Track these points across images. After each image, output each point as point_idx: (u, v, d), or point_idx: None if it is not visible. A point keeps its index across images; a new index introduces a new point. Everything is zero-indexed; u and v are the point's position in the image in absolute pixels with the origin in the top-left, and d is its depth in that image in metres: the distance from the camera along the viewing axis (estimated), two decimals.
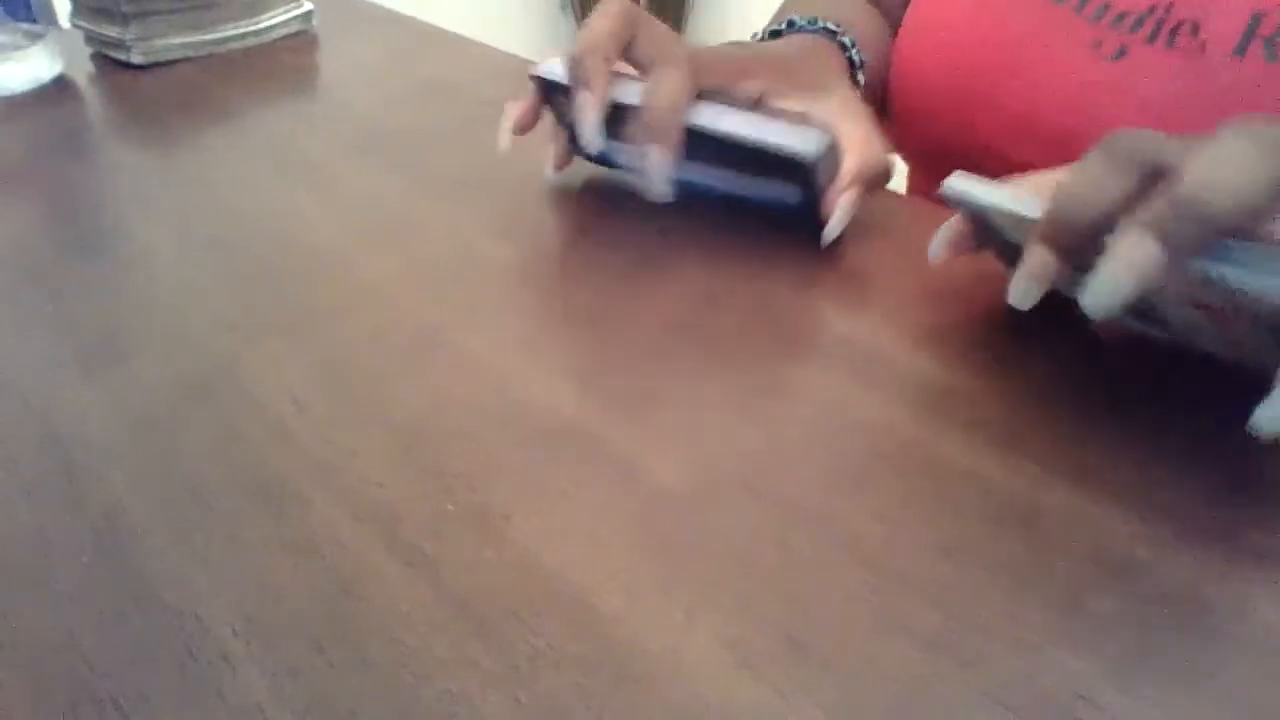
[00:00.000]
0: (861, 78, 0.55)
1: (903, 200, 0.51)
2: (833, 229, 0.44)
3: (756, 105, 0.46)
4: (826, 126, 0.43)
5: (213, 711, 0.26)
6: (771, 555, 0.30)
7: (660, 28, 0.45)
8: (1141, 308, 0.34)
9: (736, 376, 0.38)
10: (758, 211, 0.48)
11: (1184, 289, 0.31)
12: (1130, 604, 0.28)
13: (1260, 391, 0.29)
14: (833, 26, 0.54)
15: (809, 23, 0.54)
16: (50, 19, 0.76)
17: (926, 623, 0.28)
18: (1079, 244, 0.31)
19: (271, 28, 0.78)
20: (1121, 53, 0.49)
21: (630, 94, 0.44)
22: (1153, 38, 0.48)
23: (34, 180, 0.57)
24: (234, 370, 0.39)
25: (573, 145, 0.52)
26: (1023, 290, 0.32)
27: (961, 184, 0.36)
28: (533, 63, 0.71)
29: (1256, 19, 0.45)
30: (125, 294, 0.45)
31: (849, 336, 0.40)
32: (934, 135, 0.59)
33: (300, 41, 0.78)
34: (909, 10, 0.61)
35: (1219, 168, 0.28)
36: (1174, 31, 0.47)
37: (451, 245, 0.48)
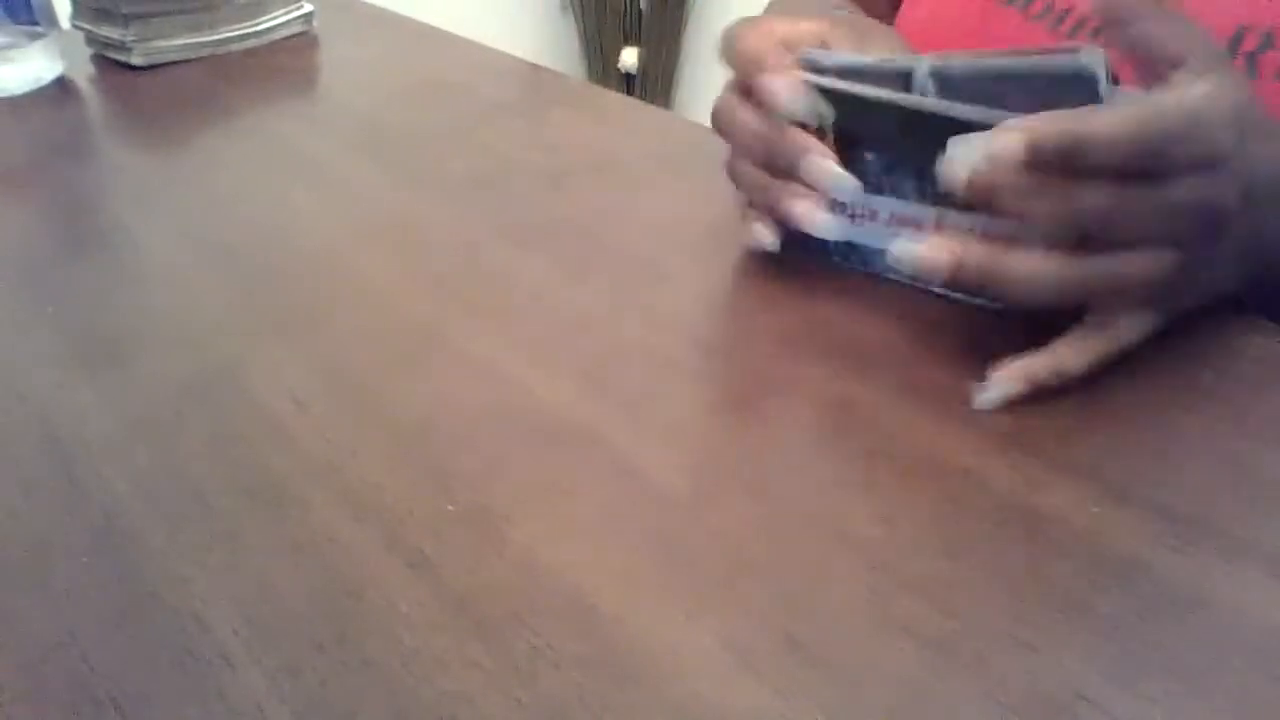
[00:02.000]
0: None
1: None
2: None
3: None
4: None
5: (213, 711, 0.26)
6: (772, 555, 0.30)
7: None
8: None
9: (736, 376, 0.38)
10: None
11: None
12: (1130, 604, 0.28)
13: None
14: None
15: None
16: (50, 20, 0.75)
17: (926, 623, 0.28)
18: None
19: (272, 29, 0.78)
20: None
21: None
22: None
23: (34, 181, 0.57)
24: (234, 370, 0.39)
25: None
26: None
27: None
28: (532, 64, 0.71)
29: (1240, 33, 0.44)
30: (125, 294, 0.45)
31: (849, 336, 0.40)
32: None
33: (301, 42, 0.78)
34: (898, 17, 0.61)
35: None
36: None
37: (451, 245, 0.48)
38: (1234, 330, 0.39)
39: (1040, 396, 0.35)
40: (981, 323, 0.40)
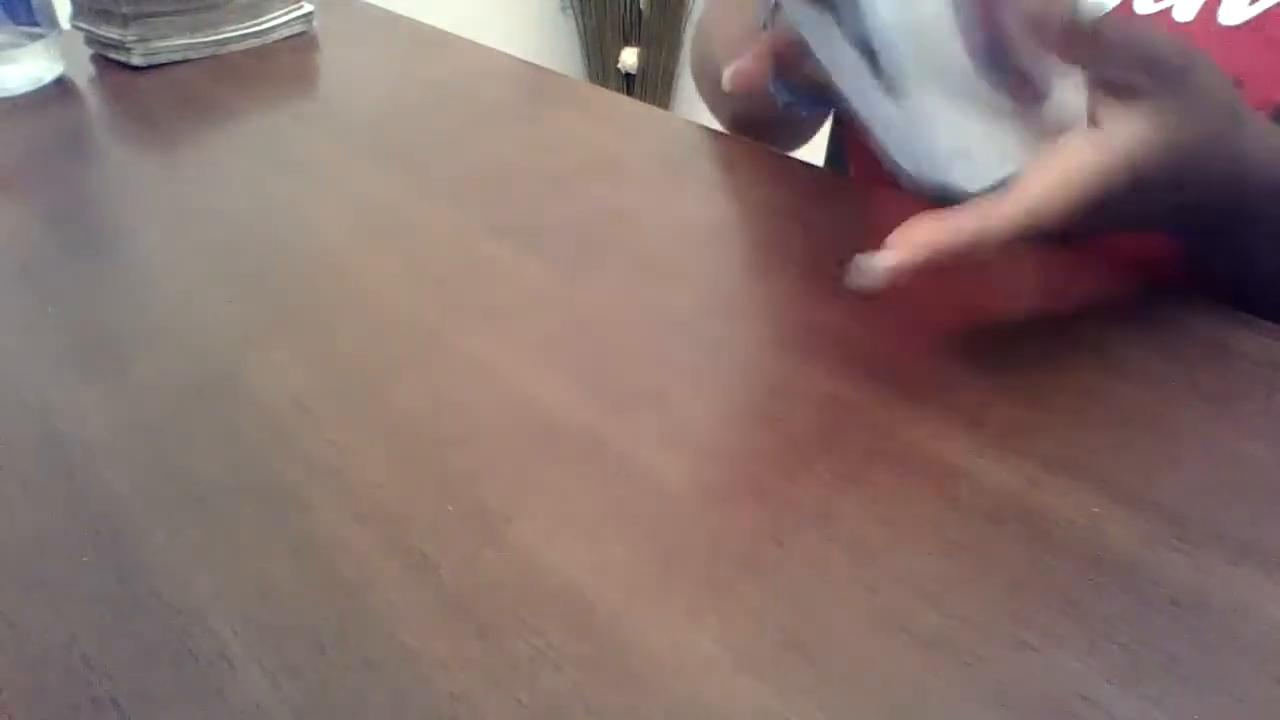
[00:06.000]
0: None
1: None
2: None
3: None
4: None
5: (213, 711, 0.26)
6: (771, 555, 0.30)
7: None
8: None
9: (737, 376, 0.38)
10: (758, 209, 0.48)
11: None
12: (1130, 604, 0.28)
13: None
14: None
15: None
16: (50, 20, 0.75)
17: (926, 623, 0.28)
18: None
19: (272, 29, 0.78)
20: None
21: None
22: None
23: (34, 181, 0.57)
24: (234, 370, 0.39)
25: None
26: None
27: None
28: (532, 65, 0.71)
29: None
30: (125, 294, 0.45)
31: (849, 336, 0.40)
32: None
33: (300, 43, 0.78)
34: None
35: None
36: None
37: (452, 245, 0.48)
38: (1234, 330, 0.39)
39: (1040, 398, 0.35)
40: (981, 323, 0.40)
